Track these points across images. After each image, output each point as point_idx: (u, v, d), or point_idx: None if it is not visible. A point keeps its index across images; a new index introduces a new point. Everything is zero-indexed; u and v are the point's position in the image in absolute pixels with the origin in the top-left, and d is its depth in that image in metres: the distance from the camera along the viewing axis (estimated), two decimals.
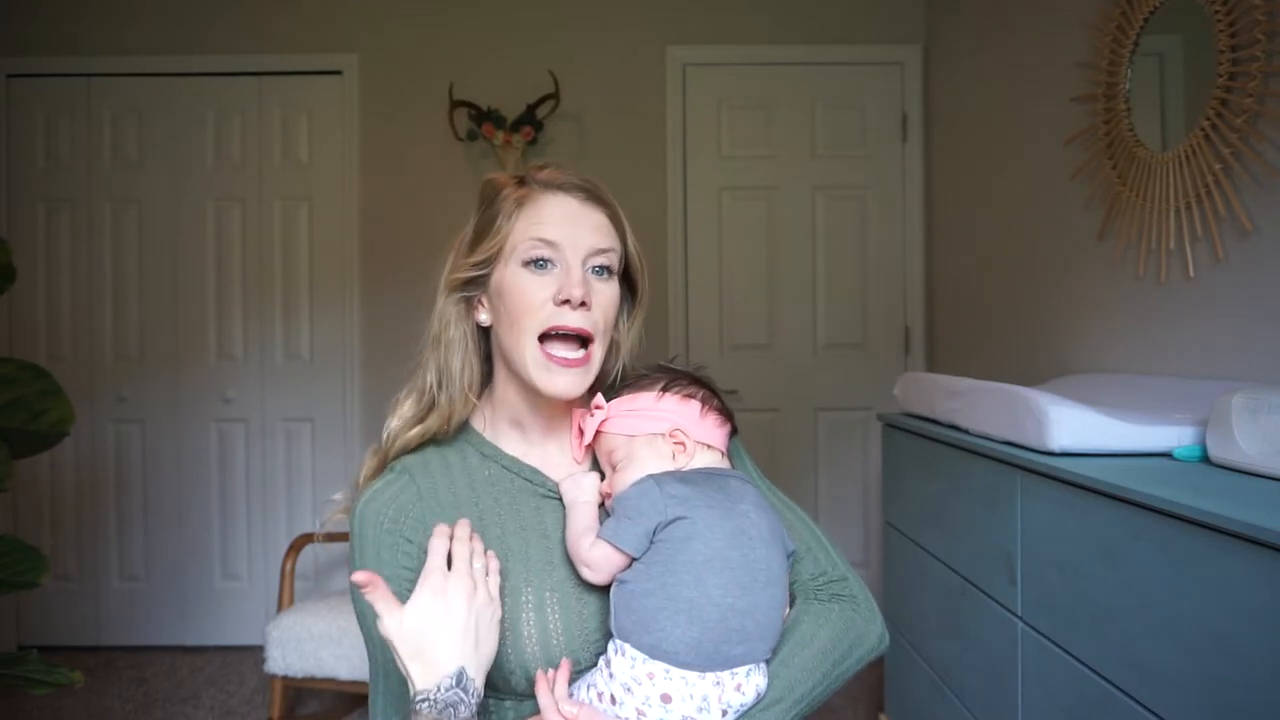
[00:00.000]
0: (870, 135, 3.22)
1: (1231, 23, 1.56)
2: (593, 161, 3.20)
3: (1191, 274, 1.70)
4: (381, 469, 0.95)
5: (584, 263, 0.90)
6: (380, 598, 0.79)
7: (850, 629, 0.91)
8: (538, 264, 0.89)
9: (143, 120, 3.24)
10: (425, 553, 0.87)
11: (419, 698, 0.77)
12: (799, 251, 3.24)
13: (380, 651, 0.88)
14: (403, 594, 0.85)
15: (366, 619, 0.87)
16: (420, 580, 0.80)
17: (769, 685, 0.85)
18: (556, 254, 0.89)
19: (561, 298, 0.88)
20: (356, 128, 3.23)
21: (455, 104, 3.10)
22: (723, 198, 3.25)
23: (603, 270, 0.92)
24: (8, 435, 1.89)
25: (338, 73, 3.23)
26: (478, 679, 0.79)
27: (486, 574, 0.83)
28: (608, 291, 0.92)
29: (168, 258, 3.25)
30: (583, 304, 0.88)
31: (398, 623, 0.78)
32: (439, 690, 0.76)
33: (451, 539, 0.83)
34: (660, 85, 3.23)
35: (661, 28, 3.23)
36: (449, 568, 0.81)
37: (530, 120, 3.11)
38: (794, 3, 3.21)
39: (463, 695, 0.77)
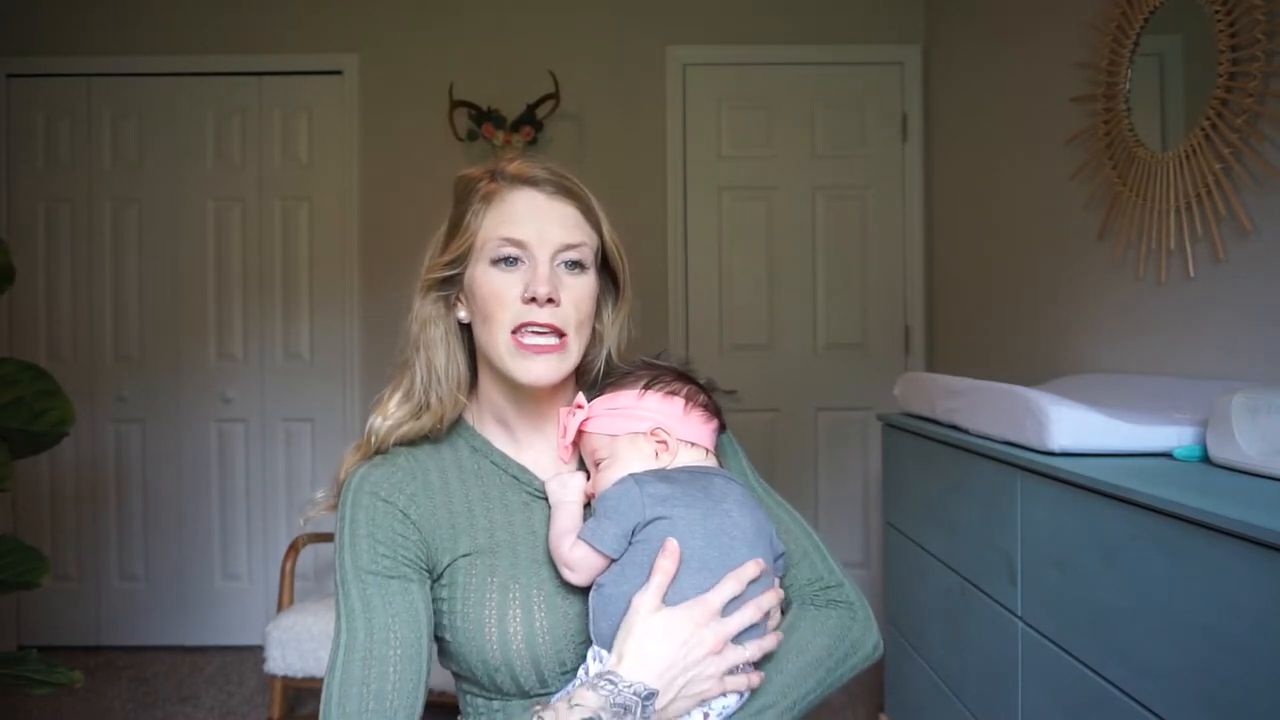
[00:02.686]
0: (870, 135, 3.22)
1: (1231, 23, 1.56)
2: (593, 161, 3.20)
3: (1191, 274, 1.70)
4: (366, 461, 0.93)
5: (552, 258, 0.88)
6: (668, 577, 0.80)
7: (846, 636, 0.91)
8: (506, 261, 0.88)
9: (143, 120, 3.24)
10: (420, 530, 0.87)
11: (611, 675, 0.76)
12: (799, 251, 3.24)
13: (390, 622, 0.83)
14: (397, 562, 0.85)
15: (348, 583, 0.84)
16: (695, 601, 0.80)
17: (762, 689, 0.84)
18: (524, 251, 0.88)
19: (528, 296, 0.86)
20: (356, 128, 3.23)
21: (455, 104, 3.10)
22: (723, 198, 3.25)
23: (574, 265, 0.90)
24: (8, 435, 1.89)
25: (338, 73, 3.23)
26: (653, 716, 0.77)
27: (746, 680, 0.82)
28: (579, 286, 0.90)
29: (168, 258, 3.25)
30: (550, 301, 0.86)
31: (654, 608, 0.78)
32: (630, 687, 0.76)
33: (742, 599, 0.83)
34: (660, 85, 3.23)
35: (661, 28, 3.22)
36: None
37: (530, 120, 3.11)
38: (794, 3, 3.21)
39: (639, 709, 0.75)
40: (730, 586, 0.81)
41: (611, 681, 0.76)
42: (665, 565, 0.80)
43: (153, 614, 3.24)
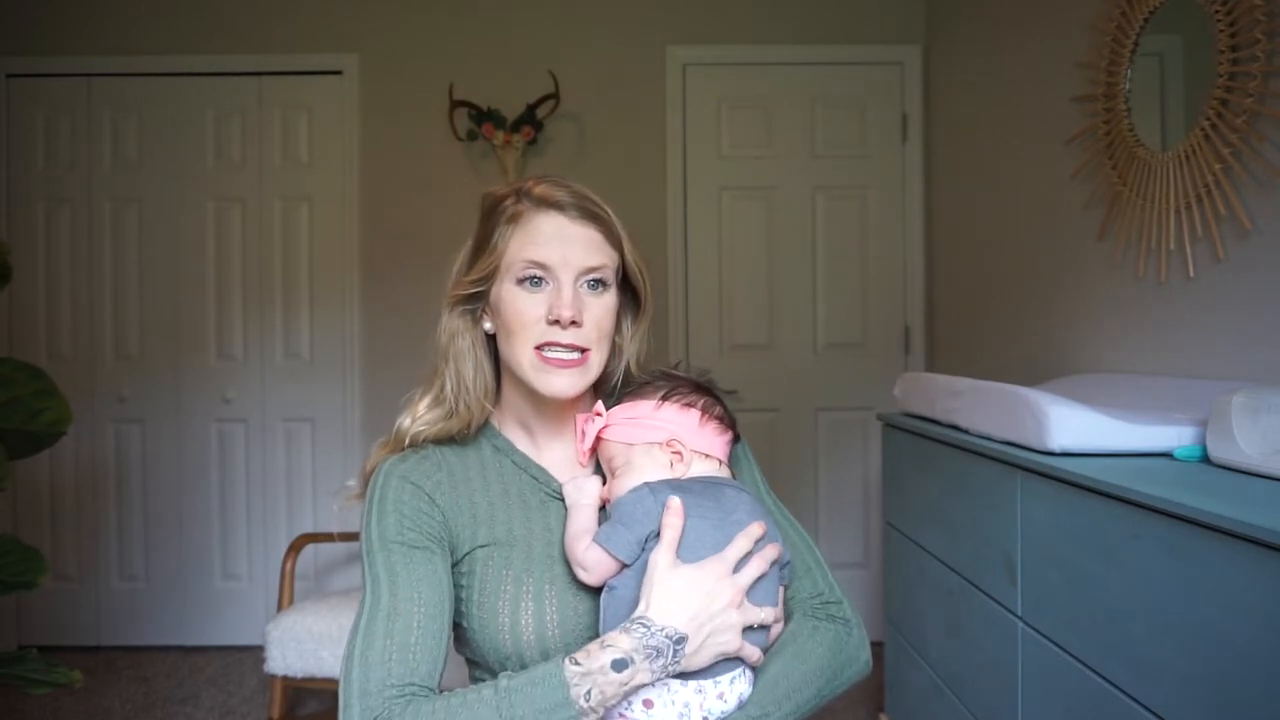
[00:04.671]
0: (870, 135, 3.22)
1: (1231, 23, 1.56)
2: (592, 161, 3.20)
3: (1191, 274, 1.70)
4: (394, 454, 0.98)
5: (576, 280, 0.92)
6: (677, 533, 0.84)
7: (842, 650, 0.93)
8: (531, 282, 0.92)
9: (143, 120, 3.24)
10: (445, 515, 0.92)
11: (643, 619, 0.79)
12: (799, 251, 3.24)
13: (405, 592, 0.85)
14: (422, 535, 0.89)
15: (374, 555, 0.88)
16: (711, 558, 0.84)
17: (762, 695, 0.86)
18: (548, 274, 0.92)
19: (552, 318, 0.91)
20: (356, 128, 3.23)
21: (455, 104, 3.10)
22: (723, 198, 3.25)
23: (596, 284, 0.94)
24: (5, 435, 1.89)
25: (338, 73, 3.23)
26: (682, 662, 0.80)
27: (762, 622, 0.85)
28: (601, 305, 0.94)
29: (168, 258, 3.25)
30: (573, 323, 0.91)
31: (671, 563, 0.82)
32: (662, 630, 0.79)
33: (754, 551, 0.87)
34: (660, 85, 3.23)
35: (661, 28, 3.23)
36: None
37: (530, 120, 3.11)
38: (794, 3, 3.21)
39: (670, 652, 0.78)
40: (742, 543, 0.85)
41: (644, 625, 0.79)
42: (673, 522, 0.84)
43: (153, 614, 3.24)
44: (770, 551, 0.87)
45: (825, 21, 3.21)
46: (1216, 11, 1.59)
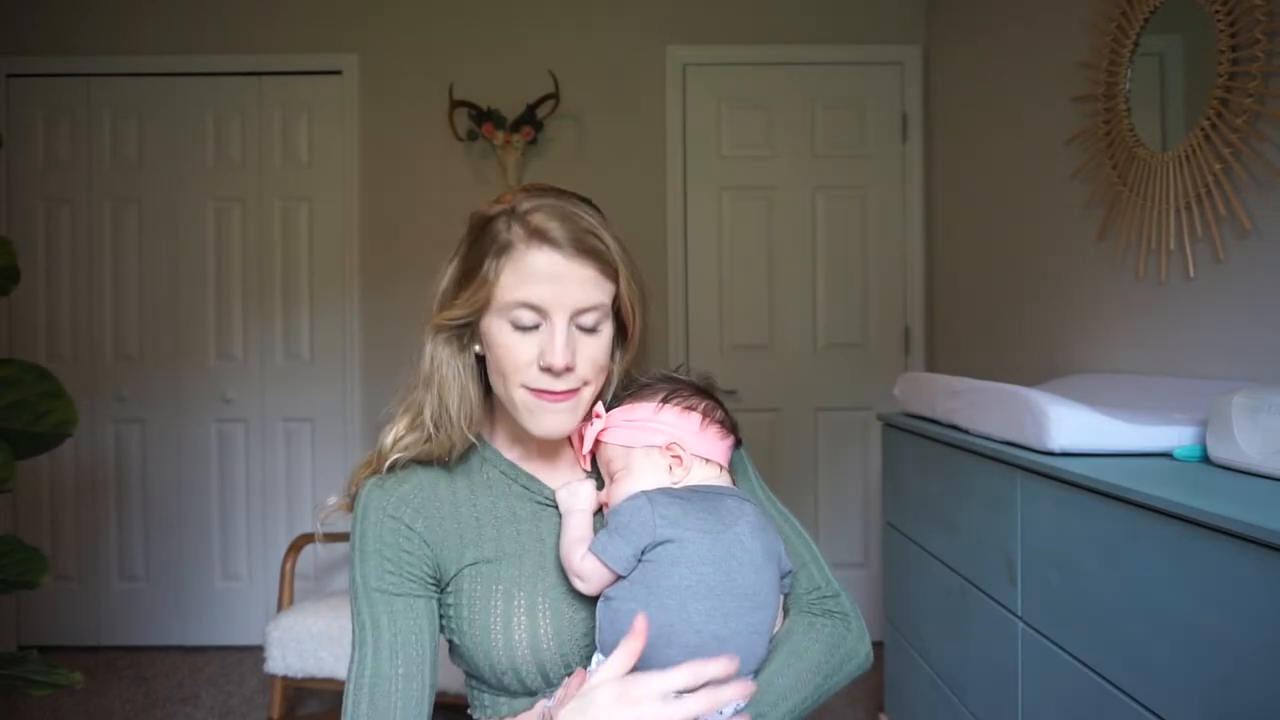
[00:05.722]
0: (870, 135, 3.22)
1: (1231, 23, 1.56)
2: (592, 162, 3.20)
3: (1191, 274, 1.70)
4: (377, 474, 0.95)
5: (570, 320, 0.88)
6: (633, 658, 0.75)
7: (841, 645, 0.92)
8: (523, 322, 0.88)
9: (143, 120, 3.24)
10: (427, 543, 0.90)
11: None
12: (799, 251, 3.24)
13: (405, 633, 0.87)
14: (403, 579, 0.89)
15: (361, 600, 0.89)
16: (657, 674, 0.75)
17: (756, 697, 0.84)
18: (540, 315, 0.87)
19: (544, 364, 0.87)
20: (356, 128, 3.23)
21: (455, 104, 3.10)
22: (723, 198, 3.25)
23: (591, 323, 0.89)
24: (11, 436, 1.89)
25: (338, 73, 3.23)
26: None
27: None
28: (594, 345, 0.90)
29: (168, 258, 3.25)
30: (567, 369, 0.87)
31: (609, 679, 0.75)
32: None
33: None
34: (660, 85, 3.23)
35: (661, 28, 3.23)
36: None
37: (530, 120, 3.11)
38: (794, 3, 3.21)
39: None
40: (683, 678, 0.74)
41: None
42: (633, 646, 0.75)
43: (153, 614, 3.24)
44: (726, 694, 0.76)
45: (825, 21, 3.21)
46: (1216, 11, 1.59)
